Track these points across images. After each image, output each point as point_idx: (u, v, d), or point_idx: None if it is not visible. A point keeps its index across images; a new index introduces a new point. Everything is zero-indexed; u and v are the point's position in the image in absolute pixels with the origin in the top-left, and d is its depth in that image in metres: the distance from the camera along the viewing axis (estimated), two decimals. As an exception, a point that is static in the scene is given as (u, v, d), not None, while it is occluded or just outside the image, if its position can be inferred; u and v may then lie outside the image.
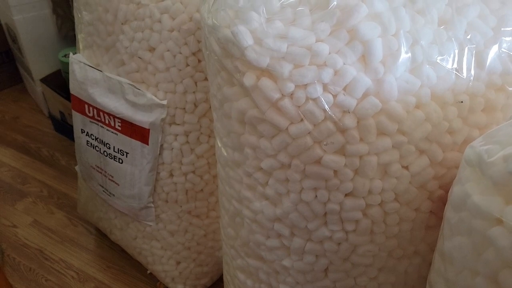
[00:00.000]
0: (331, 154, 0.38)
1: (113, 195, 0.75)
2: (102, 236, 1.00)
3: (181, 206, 0.72)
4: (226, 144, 0.46)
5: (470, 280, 0.26)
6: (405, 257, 0.45)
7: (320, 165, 0.39)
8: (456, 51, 0.36)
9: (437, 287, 0.32)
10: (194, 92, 0.60)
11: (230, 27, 0.37)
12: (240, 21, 0.36)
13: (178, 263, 0.79)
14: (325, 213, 0.42)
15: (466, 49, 0.36)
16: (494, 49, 0.37)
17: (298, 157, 0.39)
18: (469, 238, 0.26)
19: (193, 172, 0.68)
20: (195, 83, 0.60)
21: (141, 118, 0.63)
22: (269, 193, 0.43)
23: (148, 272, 0.87)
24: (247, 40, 0.36)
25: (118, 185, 0.72)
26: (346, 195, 0.40)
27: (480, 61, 0.37)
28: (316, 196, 0.41)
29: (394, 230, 0.42)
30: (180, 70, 0.59)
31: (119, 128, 0.66)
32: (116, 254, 0.96)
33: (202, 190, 0.71)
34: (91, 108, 0.69)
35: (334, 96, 0.36)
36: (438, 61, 0.36)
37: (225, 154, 0.47)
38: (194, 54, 0.57)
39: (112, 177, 0.73)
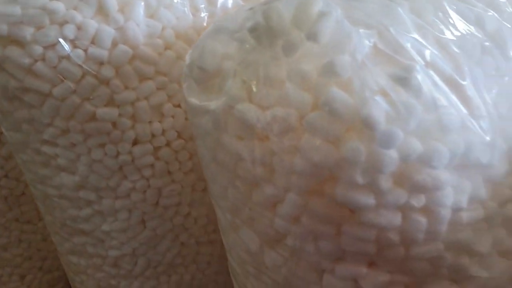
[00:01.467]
0: (102, 107, 0.40)
1: None
2: None
3: (4, 216, 0.67)
4: (7, 128, 0.45)
5: (207, 167, 0.32)
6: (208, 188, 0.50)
7: (96, 120, 0.41)
8: (188, -7, 0.41)
9: (209, 189, 0.37)
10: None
11: (-45, 1, 0.36)
12: (-38, -8, 0.35)
13: (23, 277, 0.74)
14: (121, 166, 0.44)
15: (196, -11, 0.41)
16: (221, -13, 0.43)
17: (72, 118, 0.40)
18: (198, 136, 0.31)
19: (6, 176, 0.64)
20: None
21: None
22: (62, 163, 0.44)
23: (-3, 301, 0.80)
24: (-25, 10, 0.35)
25: None
26: (132, 144, 0.43)
27: (211, 1, 0.42)
28: (105, 152, 0.43)
29: (188, 165, 0.47)
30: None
31: None
32: (-47, 296, 0.85)
33: (23, 193, 0.67)
34: None
35: (85, 50, 0.38)
36: (173, 3, 0.40)
37: (10, 138, 0.46)
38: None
39: None
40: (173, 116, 0.43)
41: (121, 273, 0.53)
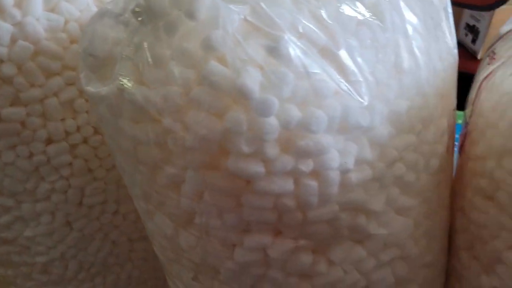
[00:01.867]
0: (7, 107, 0.39)
1: None
2: None
3: None
4: None
5: (115, 156, 0.32)
6: (134, 182, 0.49)
7: (2, 121, 0.39)
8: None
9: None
10: None
11: None
12: None
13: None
14: (36, 168, 0.43)
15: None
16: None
17: (-24, 121, 0.39)
18: (102, 125, 0.31)
19: None
20: None
21: None
22: (-28, 169, 0.42)
23: None
24: None
25: None
26: (46, 143, 0.42)
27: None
28: (17, 154, 0.41)
29: (110, 161, 0.46)
30: None
31: None
32: None
33: None
34: None
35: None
36: (74, -4, 0.40)
37: None
38: None
39: None
40: (87, 112, 0.43)
41: (52, 279, 0.51)
